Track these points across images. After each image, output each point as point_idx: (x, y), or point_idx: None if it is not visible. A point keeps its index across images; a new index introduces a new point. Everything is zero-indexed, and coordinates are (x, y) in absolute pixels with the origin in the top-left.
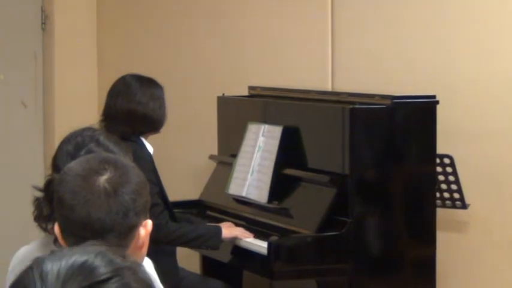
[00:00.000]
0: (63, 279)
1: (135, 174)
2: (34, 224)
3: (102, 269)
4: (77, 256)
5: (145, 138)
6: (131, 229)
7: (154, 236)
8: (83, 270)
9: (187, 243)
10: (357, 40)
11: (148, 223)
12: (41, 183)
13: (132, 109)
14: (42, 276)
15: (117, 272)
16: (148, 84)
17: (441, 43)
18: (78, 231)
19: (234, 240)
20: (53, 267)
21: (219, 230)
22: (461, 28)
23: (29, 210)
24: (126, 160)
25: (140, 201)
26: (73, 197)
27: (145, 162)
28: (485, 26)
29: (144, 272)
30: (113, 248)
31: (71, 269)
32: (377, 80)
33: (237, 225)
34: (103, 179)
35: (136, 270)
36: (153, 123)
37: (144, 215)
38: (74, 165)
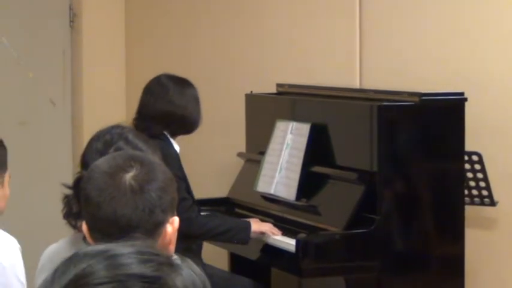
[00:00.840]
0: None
1: (162, 172)
2: (63, 222)
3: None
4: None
5: (174, 138)
6: (158, 226)
7: (185, 230)
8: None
9: (217, 237)
10: (384, 38)
11: (176, 220)
12: (69, 181)
13: (171, 111)
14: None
15: (117, 278)
16: (184, 84)
17: (468, 40)
18: (105, 228)
19: (262, 236)
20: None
21: (249, 224)
22: (488, 25)
23: (58, 208)
24: (154, 158)
25: (167, 198)
26: (99, 194)
27: (172, 159)
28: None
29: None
30: (146, 250)
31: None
32: (404, 78)
33: (264, 222)
34: (129, 176)
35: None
36: (189, 125)
37: (171, 212)
38: (101, 163)
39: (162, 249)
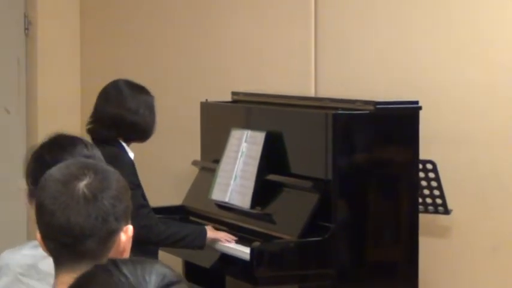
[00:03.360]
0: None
1: (116, 180)
2: (18, 228)
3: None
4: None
5: (128, 145)
6: (111, 234)
7: (144, 237)
8: None
9: (175, 243)
10: (339, 47)
11: (129, 228)
12: (22, 191)
13: (121, 115)
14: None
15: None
16: (140, 91)
17: (423, 49)
18: (58, 237)
19: (216, 243)
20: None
21: (204, 230)
22: (442, 35)
23: (12, 214)
24: (107, 165)
25: (120, 206)
26: (53, 202)
27: (127, 166)
28: (467, 32)
29: None
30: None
31: None
32: (360, 86)
33: (219, 230)
34: (82, 184)
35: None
36: (141, 132)
37: (125, 221)
38: (54, 171)
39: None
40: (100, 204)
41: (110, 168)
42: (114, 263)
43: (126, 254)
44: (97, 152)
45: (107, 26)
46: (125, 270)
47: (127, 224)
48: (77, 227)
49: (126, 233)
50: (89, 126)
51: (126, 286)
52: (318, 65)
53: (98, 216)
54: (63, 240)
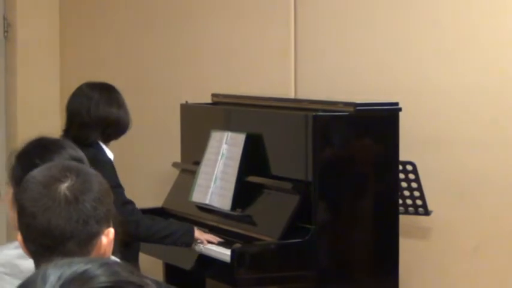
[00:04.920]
0: (62, 282)
1: (98, 182)
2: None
3: (103, 278)
4: (82, 264)
5: (107, 145)
6: (92, 237)
7: (133, 232)
8: (83, 276)
9: (163, 239)
10: (319, 48)
11: (111, 232)
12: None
13: (97, 115)
14: (44, 278)
15: (118, 284)
16: (111, 90)
17: (403, 51)
18: (39, 239)
19: (197, 244)
20: (56, 271)
21: (192, 227)
22: (424, 36)
23: None
24: (90, 168)
25: (102, 209)
26: (34, 205)
27: (107, 167)
28: (449, 33)
29: None
30: (124, 264)
31: (72, 274)
32: (340, 87)
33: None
34: (64, 186)
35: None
36: (118, 130)
37: (107, 224)
38: (36, 173)
39: None
40: (81, 206)
41: (92, 171)
42: None
43: (107, 257)
44: (83, 154)
45: (87, 28)
46: None
47: (108, 227)
48: (57, 229)
49: (108, 236)
50: (69, 131)
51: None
52: (298, 66)
53: (78, 219)
54: (44, 242)
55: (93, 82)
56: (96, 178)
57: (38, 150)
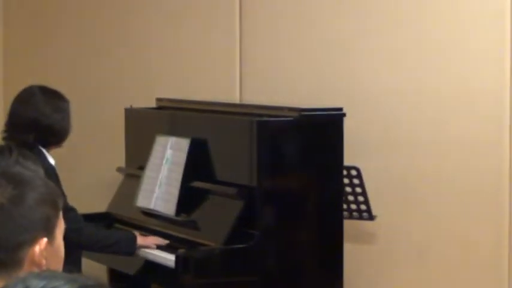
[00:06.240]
0: None
1: (33, 190)
2: None
3: None
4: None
5: (48, 151)
6: (21, 246)
7: (75, 240)
8: None
9: (104, 249)
10: (265, 53)
11: (43, 241)
12: None
13: (36, 118)
14: None
15: None
16: (53, 96)
17: (349, 55)
18: None
19: (141, 249)
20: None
21: (134, 236)
22: (368, 40)
23: None
24: (33, 175)
25: (33, 217)
26: None
27: (48, 173)
28: (393, 35)
29: None
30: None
31: None
32: (285, 92)
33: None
34: None
35: None
36: (55, 135)
37: (42, 233)
38: None
39: (32, 270)
40: (7, 215)
41: (30, 178)
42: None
43: (45, 267)
44: (25, 162)
45: (31, 34)
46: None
47: (45, 236)
48: None
49: (40, 245)
50: (5, 134)
51: None
52: (243, 71)
53: (4, 227)
54: None
55: (42, 86)
56: (32, 185)
57: None
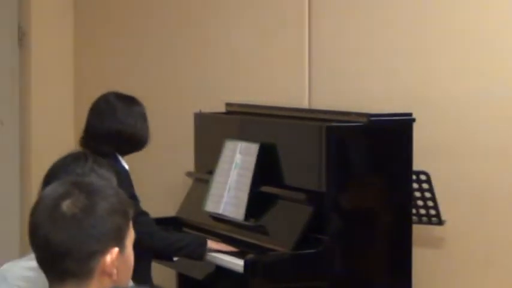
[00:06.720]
0: None
1: (105, 200)
2: (13, 240)
3: None
4: None
5: (123, 156)
6: (91, 256)
7: (148, 244)
8: None
9: (177, 252)
10: (334, 58)
11: (115, 251)
12: (17, 200)
13: (120, 130)
14: None
15: None
16: (132, 103)
17: (419, 60)
18: (38, 252)
19: (209, 254)
20: None
21: (205, 240)
22: (438, 45)
23: (5, 226)
24: (106, 185)
25: (104, 227)
26: (37, 218)
27: (122, 177)
28: (463, 43)
29: None
30: None
31: None
32: (354, 97)
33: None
34: (66, 203)
35: None
36: (139, 143)
37: (113, 242)
38: (49, 188)
39: (102, 280)
40: (79, 224)
41: (102, 188)
42: None
43: (117, 277)
44: (100, 169)
45: (100, 36)
46: None
47: (115, 245)
48: (52, 245)
49: (112, 255)
50: (84, 142)
51: None
52: (312, 76)
53: (75, 237)
54: (42, 256)
55: (117, 93)
56: (104, 195)
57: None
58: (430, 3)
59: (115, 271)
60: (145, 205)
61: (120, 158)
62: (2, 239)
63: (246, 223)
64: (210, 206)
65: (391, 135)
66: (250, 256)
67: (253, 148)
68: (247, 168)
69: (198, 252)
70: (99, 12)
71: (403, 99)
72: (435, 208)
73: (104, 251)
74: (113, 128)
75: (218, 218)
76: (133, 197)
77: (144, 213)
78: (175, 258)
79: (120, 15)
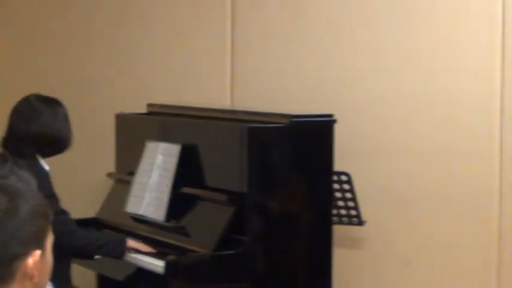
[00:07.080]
0: None
1: (26, 202)
2: None
3: None
4: None
5: (44, 158)
6: (14, 259)
7: (69, 243)
8: None
9: (96, 251)
10: (256, 59)
11: (37, 253)
12: None
13: (45, 132)
14: None
15: None
16: (55, 105)
17: (341, 61)
18: None
19: (130, 255)
20: None
21: (124, 239)
22: (360, 46)
23: None
24: (27, 187)
25: (28, 230)
26: None
27: (42, 178)
28: (385, 44)
29: None
30: None
31: None
32: (277, 98)
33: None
34: None
35: None
36: (62, 145)
37: (35, 245)
38: None
39: (24, 283)
40: (2, 227)
41: (23, 190)
42: None
43: (38, 279)
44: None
45: (19, 36)
46: None
47: (37, 248)
48: None
49: (34, 258)
50: (6, 144)
51: None
52: (234, 76)
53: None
54: None
55: (39, 95)
56: (26, 197)
57: None
58: (355, 3)
59: (36, 273)
60: (66, 206)
61: (41, 159)
62: None
63: (167, 224)
64: (131, 207)
65: (312, 136)
66: (170, 257)
67: (174, 149)
68: (168, 169)
69: (118, 251)
70: (19, 12)
71: (325, 100)
72: (356, 209)
73: (27, 253)
74: (38, 131)
75: (139, 219)
76: (53, 196)
77: (64, 212)
78: (96, 257)
79: (40, 14)
